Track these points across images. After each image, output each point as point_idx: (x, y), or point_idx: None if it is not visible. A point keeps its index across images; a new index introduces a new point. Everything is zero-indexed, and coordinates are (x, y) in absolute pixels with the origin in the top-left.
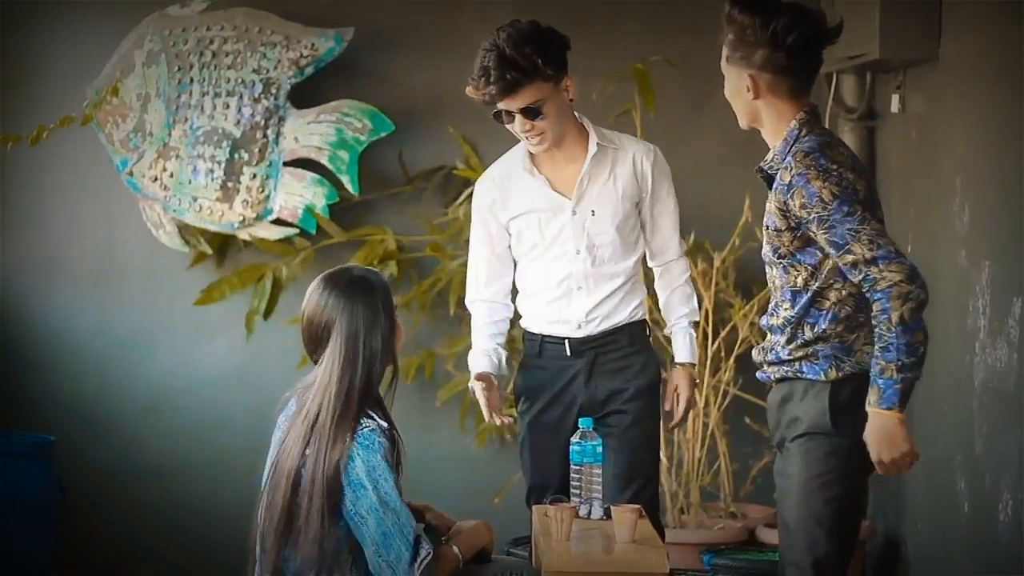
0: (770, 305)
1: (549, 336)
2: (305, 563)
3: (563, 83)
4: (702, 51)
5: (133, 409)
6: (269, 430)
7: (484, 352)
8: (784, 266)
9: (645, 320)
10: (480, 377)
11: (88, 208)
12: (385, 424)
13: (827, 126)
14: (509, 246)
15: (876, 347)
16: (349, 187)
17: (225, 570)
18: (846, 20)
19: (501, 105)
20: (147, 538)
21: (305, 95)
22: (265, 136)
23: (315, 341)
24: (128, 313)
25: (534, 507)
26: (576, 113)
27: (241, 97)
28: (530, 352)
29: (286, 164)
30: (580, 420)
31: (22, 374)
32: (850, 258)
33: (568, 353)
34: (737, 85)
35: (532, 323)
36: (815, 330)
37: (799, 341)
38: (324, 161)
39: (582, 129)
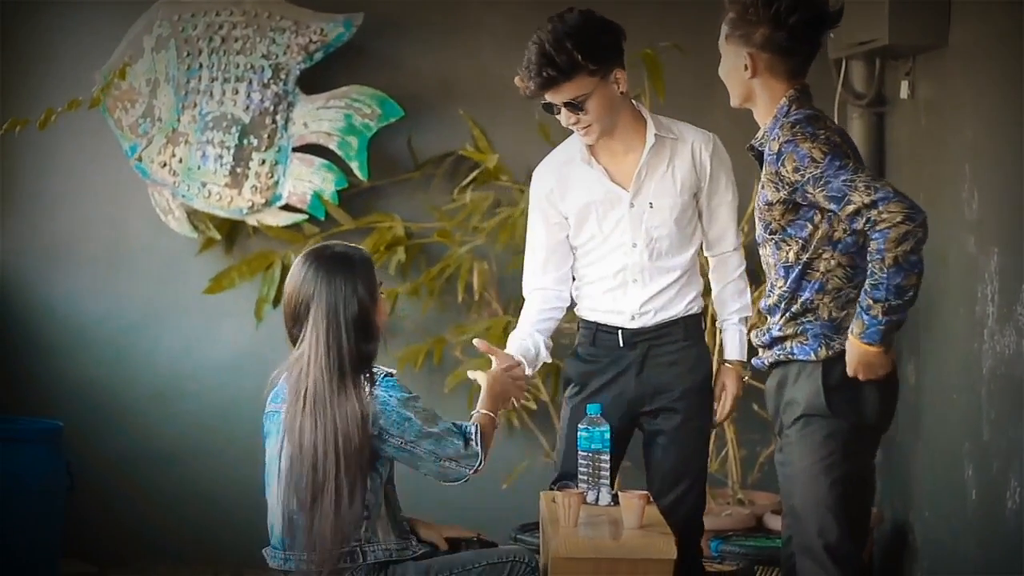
0: (766, 287)
1: (603, 325)
2: (349, 527)
3: (612, 75)
4: (712, 37)
5: (141, 395)
6: None
7: (520, 337)
8: (776, 242)
9: (701, 314)
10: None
11: (97, 193)
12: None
13: (836, 112)
14: (567, 235)
15: (867, 282)
16: (358, 173)
17: (233, 556)
18: (856, 6)
19: (547, 96)
20: (155, 524)
21: (314, 80)
22: (274, 122)
23: (295, 317)
24: (137, 299)
25: (542, 493)
26: (634, 101)
27: (250, 82)
28: (583, 340)
29: (295, 150)
30: (588, 406)
31: (30, 360)
32: (851, 208)
33: (621, 344)
34: (735, 63)
35: (587, 311)
36: (803, 301)
37: (788, 314)
38: (333, 147)
39: (639, 118)
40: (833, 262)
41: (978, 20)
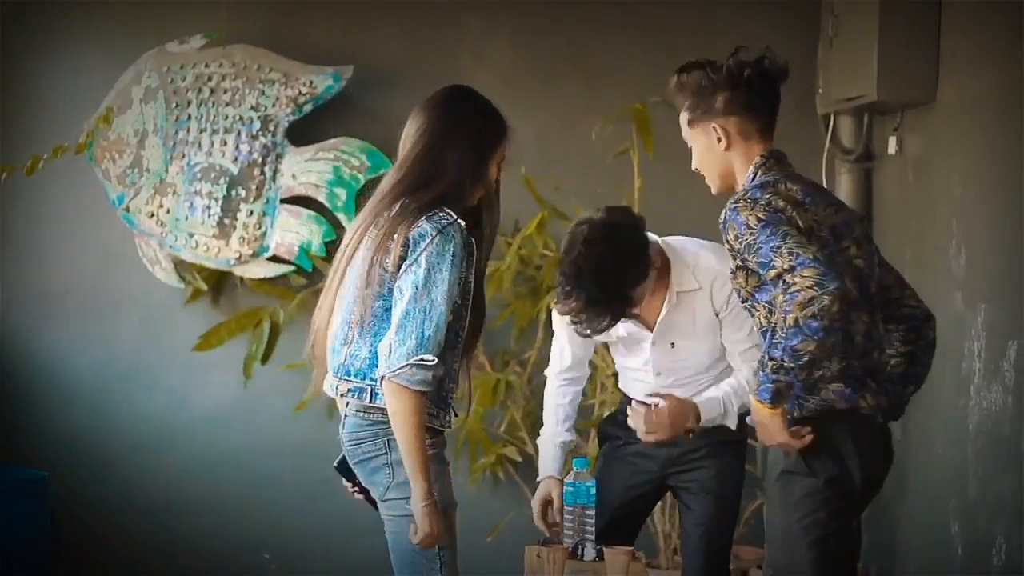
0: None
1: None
2: (364, 357)
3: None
4: None
5: (128, 446)
6: (265, 470)
7: (554, 443)
8: (748, 308)
9: None
10: (549, 485)
11: (85, 243)
12: (463, 224)
13: (824, 167)
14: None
15: (770, 340)
16: (346, 225)
17: None
18: (844, 62)
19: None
20: (141, 574)
21: (303, 133)
22: (263, 173)
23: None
24: (124, 349)
25: (527, 548)
26: (663, 245)
27: (239, 134)
28: (623, 408)
29: (283, 201)
30: (575, 461)
31: (16, 408)
32: (773, 273)
33: None
34: (707, 144)
35: (622, 385)
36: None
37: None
38: (322, 199)
39: (667, 263)
40: None
41: (967, 76)
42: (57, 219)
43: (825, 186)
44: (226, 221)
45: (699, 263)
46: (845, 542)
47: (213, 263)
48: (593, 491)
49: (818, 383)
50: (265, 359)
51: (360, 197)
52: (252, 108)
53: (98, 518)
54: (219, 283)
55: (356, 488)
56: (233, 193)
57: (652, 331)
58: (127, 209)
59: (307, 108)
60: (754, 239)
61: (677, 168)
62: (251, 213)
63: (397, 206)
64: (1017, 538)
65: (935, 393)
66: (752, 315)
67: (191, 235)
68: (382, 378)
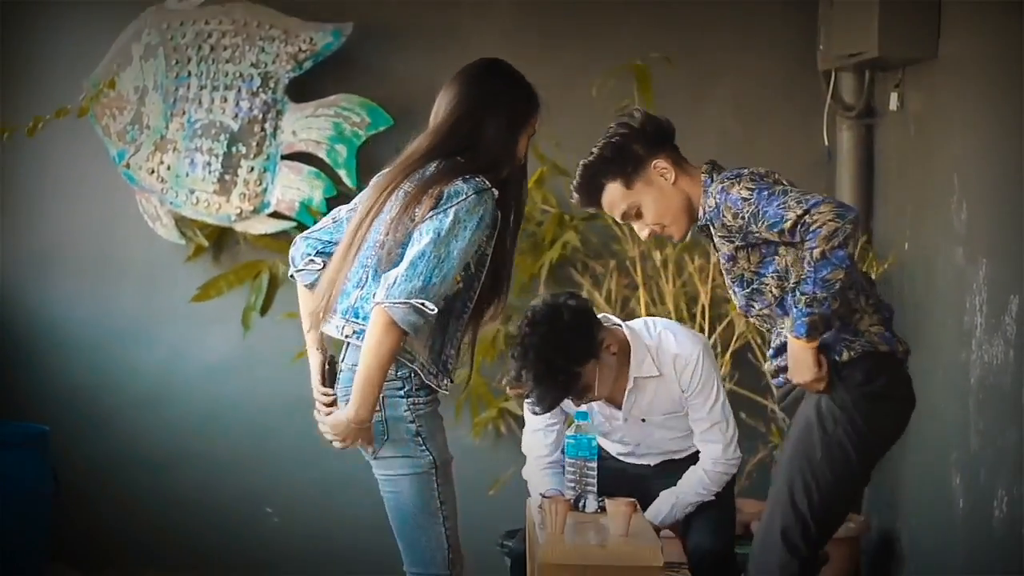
0: (773, 341)
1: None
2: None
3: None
4: (701, 49)
5: (128, 401)
6: (266, 423)
7: (546, 480)
8: (757, 289)
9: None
10: (551, 495)
11: (85, 200)
12: (496, 194)
13: (825, 124)
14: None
15: (799, 278)
16: (347, 181)
17: (220, 561)
18: (846, 19)
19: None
20: (142, 529)
21: (303, 89)
22: (263, 130)
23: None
24: (125, 305)
25: (528, 500)
26: (625, 331)
27: (239, 91)
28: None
29: (284, 158)
30: (576, 414)
31: (17, 365)
32: (788, 224)
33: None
34: (656, 191)
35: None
36: None
37: None
38: (322, 155)
39: (626, 348)
40: None
41: (968, 32)
42: (58, 176)
43: (827, 143)
44: (227, 177)
45: (660, 347)
46: (850, 478)
47: (214, 219)
48: (595, 444)
49: (859, 325)
50: (264, 310)
51: (361, 153)
52: (252, 65)
53: (98, 473)
54: (220, 240)
55: None
56: (234, 150)
57: (621, 410)
58: (127, 166)
59: (307, 65)
60: (756, 207)
61: (677, 124)
62: (252, 169)
63: (433, 166)
64: (1018, 490)
65: (937, 347)
66: (762, 293)
67: (192, 191)
68: (377, 305)
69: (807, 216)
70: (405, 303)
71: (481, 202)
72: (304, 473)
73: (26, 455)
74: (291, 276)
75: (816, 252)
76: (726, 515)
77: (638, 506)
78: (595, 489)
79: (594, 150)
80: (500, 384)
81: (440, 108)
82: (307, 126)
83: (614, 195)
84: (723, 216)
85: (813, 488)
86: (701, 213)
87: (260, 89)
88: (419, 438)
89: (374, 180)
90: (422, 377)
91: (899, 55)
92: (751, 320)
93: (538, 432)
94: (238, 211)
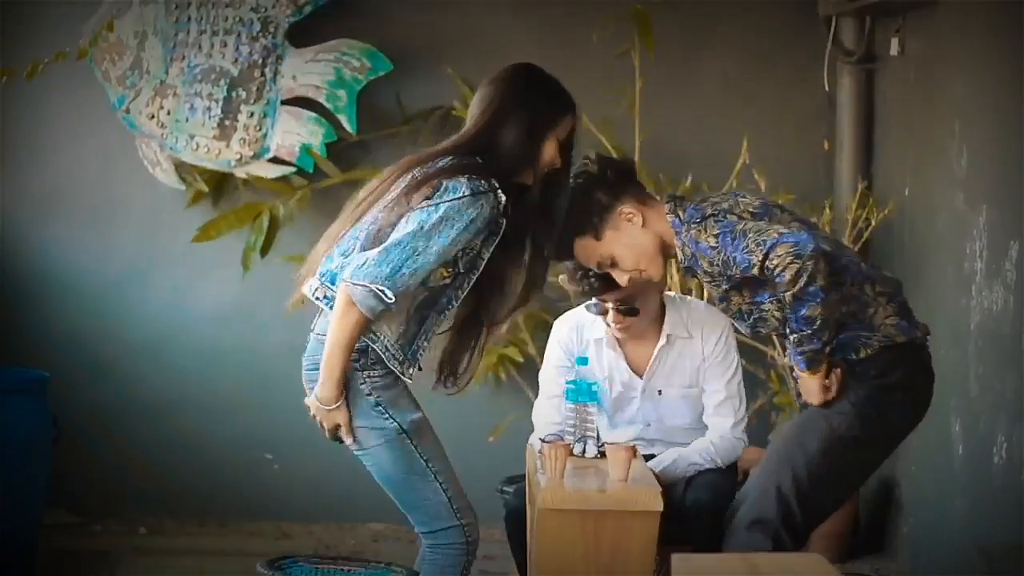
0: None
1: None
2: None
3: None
4: None
5: (128, 347)
6: (266, 369)
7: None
8: (761, 318)
9: None
10: (551, 440)
11: (85, 145)
12: (503, 198)
13: (826, 69)
14: None
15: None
16: (347, 126)
17: (219, 507)
18: None
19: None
20: (141, 475)
21: (303, 34)
22: (263, 75)
23: None
24: (124, 251)
25: (528, 445)
26: (664, 293)
27: (239, 35)
28: None
29: (284, 103)
30: (577, 359)
31: (17, 310)
32: (756, 269)
33: None
34: (627, 237)
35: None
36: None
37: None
38: (322, 100)
39: (663, 308)
40: None
41: None
42: (57, 122)
43: (827, 89)
44: (227, 122)
45: (691, 313)
46: (853, 463)
47: (214, 164)
48: (595, 388)
49: (874, 320)
50: (264, 251)
51: (361, 98)
52: (252, 9)
53: (99, 418)
54: (220, 185)
55: None
56: (234, 94)
57: (642, 377)
58: (127, 111)
59: (307, 9)
60: (724, 254)
61: (678, 70)
62: (252, 114)
63: (441, 161)
64: (1017, 436)
65: (936, 293)
66: (765, 320)
67: (192, 136)
68: (343, 281)
69: (767, 261)
70: (365, 286)
71: (476, 204)
72: (304, 419)
73: (26, 401)
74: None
75: (788, 296)
76: (728, 479)
77: (638, 451)
78: (595, 434)
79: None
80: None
81: (470, 113)
82: (307, 71)
83: (586, 250)
84: (701, 264)
85: (804, 479)
86: (680, 255)
87: (260, 34)
88: (379, 407)
89: (390, 166)
90: (381, 357)
91: (900, 0)
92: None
93: (554, 399)
94: (238, 156)
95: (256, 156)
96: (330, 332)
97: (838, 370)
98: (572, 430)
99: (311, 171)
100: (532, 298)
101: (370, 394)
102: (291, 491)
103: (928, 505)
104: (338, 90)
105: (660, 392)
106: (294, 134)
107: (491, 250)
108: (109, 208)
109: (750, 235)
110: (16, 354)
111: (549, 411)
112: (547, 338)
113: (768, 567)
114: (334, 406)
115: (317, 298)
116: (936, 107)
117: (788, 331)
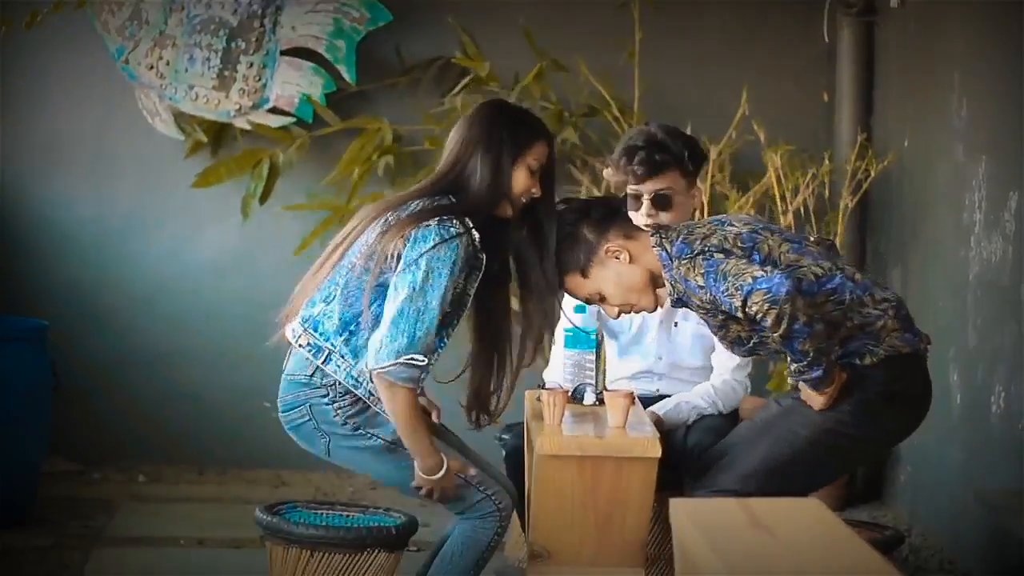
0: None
1: None
2: (335, 323)
3: (695, 188)
4: None
5: (127, 296)
6: (264, 318)
7: (556, 381)
8: (761, 342)
9: None
10: (550, 387)
11: (84, 96)
12: (476, 236)
13: (826, 22)
14: None
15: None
16: (346, 76)
17: (217, 456)
18: None
19: (635, 187)
20: (140, 424)
21: None
22: (262, 25)
23: None
24: (124, 201)
25: (527, 392)
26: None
27: None
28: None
29: (283, 53)
30: (575, 307)
31: (16, 259)
32: (738, 313)
33: None
34: (614, 273)
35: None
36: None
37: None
38: (321, 50)
39: None
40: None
41: None
42: (56, 72)
43: (827, 40)
44: (226, 73)
45: None
46: (836, 457)
47: (213, 115)
48: (593, 336)
49: (881, 333)
50: (264, 199)
51: (360, 49)
52: None
53: (97, 367)
54: (219, 135)
55: None
56: (233, 45)
57: (662, 307)
58: (126, 61)
59: None
60: (711, 295)
61: (677, 21)
62: (251, 65)
63: (412, 204)
64: (1015, 386)
65: (935, 244)
66: (765, 344)
67: (191, 87)
68: (372, 372)
69: (746, 308)
70: (395, 364)
71: (451, 246)
72: None
73: (25, 350)
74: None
75: (776, 337)
76: (729, 425)
77: (636, 398)
78: (594, 381)
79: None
80: None
81: (444, 151)
82: (306, 21)
83: (575, 286)
84: (693, 299)
85: (784, 464)
86: (670, 289)
87: None
88: (359, 430)
89: (365, 206)
90: (351, 391)
91: None
92: None
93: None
94: (237, 106)
95: (255, 106)
96: (394, 420)
97: (843, 374)
98: (570, 378)
99: (310, 121)
100: (547, 331)
101: (345, 423)
102: (289, 439)
103: (926, 454)
104: (337, 40)
105: (676, 324)
106: (293, 84)
107: (475, 286)
108: (108, 158)
109: (730, 278)
110: (15, 303)
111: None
112: None
113: (767, 512)
114: (441, 472)
115: (301, 345)
116: (936, 59)
117: (790, 364)
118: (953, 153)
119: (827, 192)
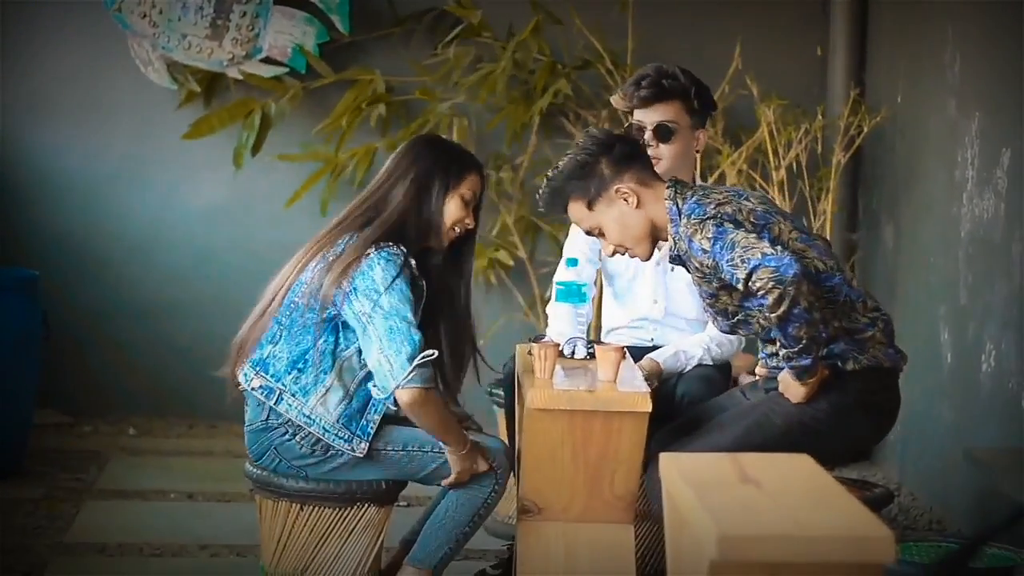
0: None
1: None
2: (284, 363)
3: (698, 131)
4: None
5: (118, 247)
6: (256, 268)
7: (561, 334)
8: (744, 320)
9: None
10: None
11: (76, 45)
12: (414, 265)
13: None
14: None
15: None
16: (340, 26)
17: (208, 409)
18: None
19: (640, 116)
20: (131, 376)
21: None
22: None
23: None
24: (116, 150)
25: (518, 346)
26: (696, 172)
27: None
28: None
29: (276, 2)
30: (567, 260)
31: (7, 209)
32: (740, 285)
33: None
34: (617, 214)
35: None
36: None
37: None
38: (315, 0)
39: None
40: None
41: None
42: (48, 20)
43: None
44: (219, 22)
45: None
46: None
47: (206, 64)
48: (585, 290)
49: (868, 343)
50: (255, 150)
51: None
52: None
53: (89, 318)
54: (212, 85)
55: None
56: None
57: (660, 250)
58: (119, 10)
59: None
60: (713, 259)
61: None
62: (244, 14)
63: (344, 239)
64: (1006, 344)
65: (928, 200)
66: (749, 323)
67: (184, 36)
68: (393, 390)
69: (750, 281)
70: (414, 370)
71: (392, 265)
72: None
73: (16, 300)
74: None
75: (773, 318)
76: (722, 375)
77: (627, 353)
78: (585, 336)
79: (560, 165)
80: (490, 234)
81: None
82: None
83: (577, 214)
84: (693, 261)
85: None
86: (672, 245)
87: None
88: (329, 453)
89: (299, 251)
90: (321, 439)
91: None
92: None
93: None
94: (230, 56)
95: (248, 56)
96: (427, 427)
97: (825, 371)
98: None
99: (304, 71)
100: (468, 360)
101: (313, 451)
102: None
103: (916, 412)
104: None
105: (673, 268)
106: (286, 34)
107: (419, 314)
108: (100, 108)
109: (738, 248)
110: (6, 253)
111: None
112: (536, 241)
113: (756, 467)
114: (466, 448)
115: (253, 388)
116: (929, 13)
117: (774, 341)
118: (946, 109)
119: (820, 147)
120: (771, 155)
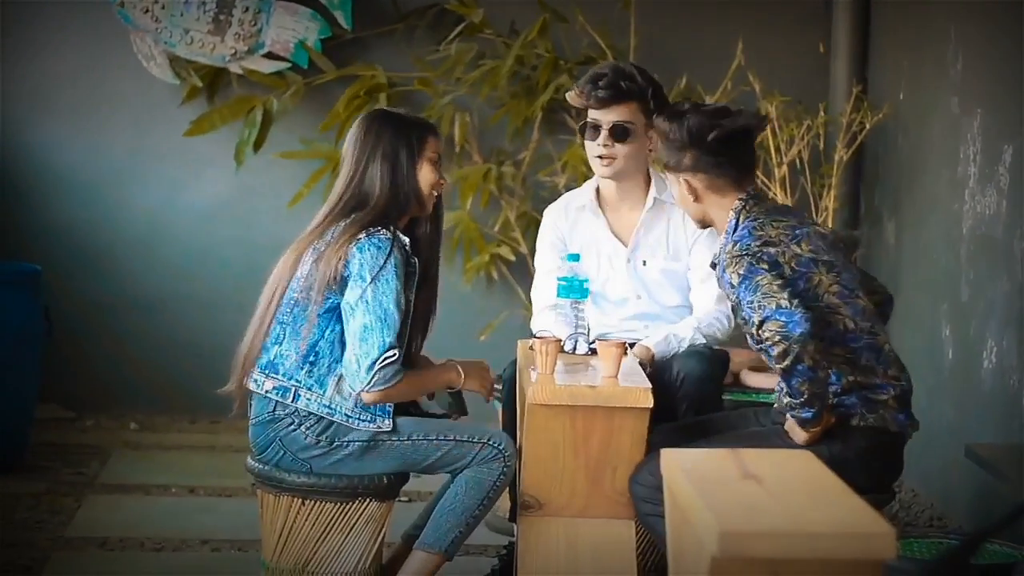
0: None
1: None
2: (294, 360)
3: (651, 131)
4: None
5: (121, 241)
6: (258, 263)
7: (544, 330)
8: (745, 333)
9: None
10: (543, 336)
11: (79, 40)
12: (406, 240)
13: None
14: None
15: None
16: (342, 22)
17: (210, 404)
18: None
19: (596, 115)
20: (133, 371)
21: None
22: None
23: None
24: (118, 146)
25: (520, 341)
26: (651, 169)
27: None
28: None
29: None
30: (568, 256)
31: (10, 204)
32: (753, 329)
33: None
34: (680, 191)
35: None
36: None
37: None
38: None
39: (648, 181)
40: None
41: None
42: (51, 15)
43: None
44: (221, 17)
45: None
46: None
47: (208, 59)
48: (586, 285)
49: (878, 405)
50: (257, 147)
51: None
52: None
53: (91, 313)
54: (214, 80)
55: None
56: None
57: (627, 247)
58: (122, 5)
59: None
60: (737, 296)
61: (676, 8)
62: (247, 9)
63: (332, 229)
64: (1008, 341)
65: (930, 197)
66: (753, 342)
67: (186, 31)
68: (360, 393)
69: (761, 330)
70: (375, 374)
71: (386, 253)
72: None
73: (17, 294)
74: None
75: (778, 369)
76: (718, 355)
77: (628, 349)
78: (586, 331)
79: (665, 120)
80: (492, 229)
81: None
82: None
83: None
84: (720, 280)
85: None
86: (717, 252)
87: None
88: (334, 444)
89: (287, 252)
90: (343, 425)
91: None
92: None
93: (547, 275)
94: (232, 51)
95: (251, 51)
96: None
97: (831, 419)
98: (563, 327)
99: (306, 67)
100: (433, 320)
101: (318, 442)
102: None
103: (917, 409)
104: None
105: (645, 263)
106: (289, 30)
107: (413, 291)
108: (103, 103)
109: (759, 292)
110: (8, 248)
111: (545, 287)
112: (537, 236)
113: (757, 463)
114: (462, 377)
115: (267, 391)
116: (932, 11)
117: (784, 396)
118: (948, 106)
119: (822, 144)
120: (773, 152)
